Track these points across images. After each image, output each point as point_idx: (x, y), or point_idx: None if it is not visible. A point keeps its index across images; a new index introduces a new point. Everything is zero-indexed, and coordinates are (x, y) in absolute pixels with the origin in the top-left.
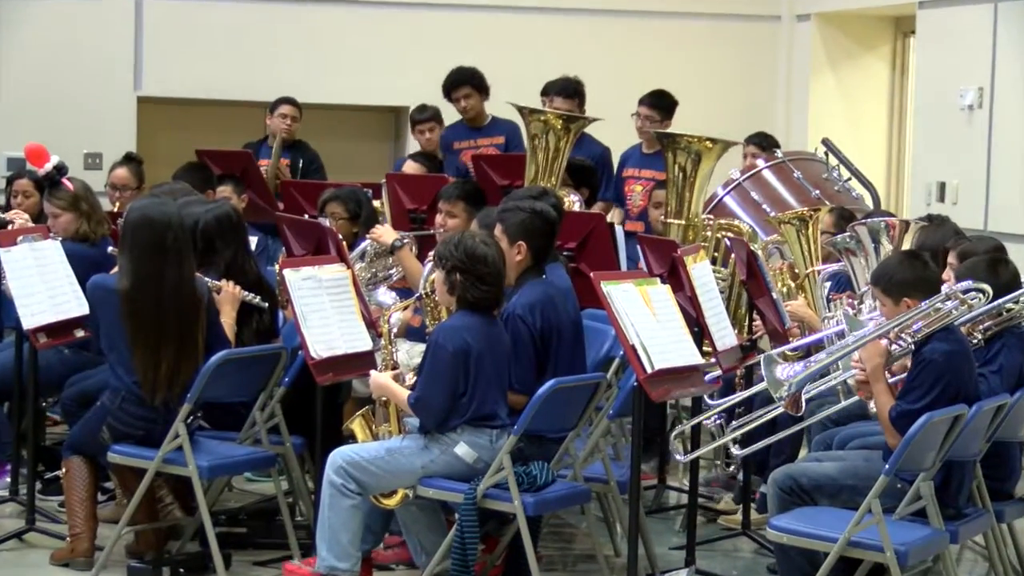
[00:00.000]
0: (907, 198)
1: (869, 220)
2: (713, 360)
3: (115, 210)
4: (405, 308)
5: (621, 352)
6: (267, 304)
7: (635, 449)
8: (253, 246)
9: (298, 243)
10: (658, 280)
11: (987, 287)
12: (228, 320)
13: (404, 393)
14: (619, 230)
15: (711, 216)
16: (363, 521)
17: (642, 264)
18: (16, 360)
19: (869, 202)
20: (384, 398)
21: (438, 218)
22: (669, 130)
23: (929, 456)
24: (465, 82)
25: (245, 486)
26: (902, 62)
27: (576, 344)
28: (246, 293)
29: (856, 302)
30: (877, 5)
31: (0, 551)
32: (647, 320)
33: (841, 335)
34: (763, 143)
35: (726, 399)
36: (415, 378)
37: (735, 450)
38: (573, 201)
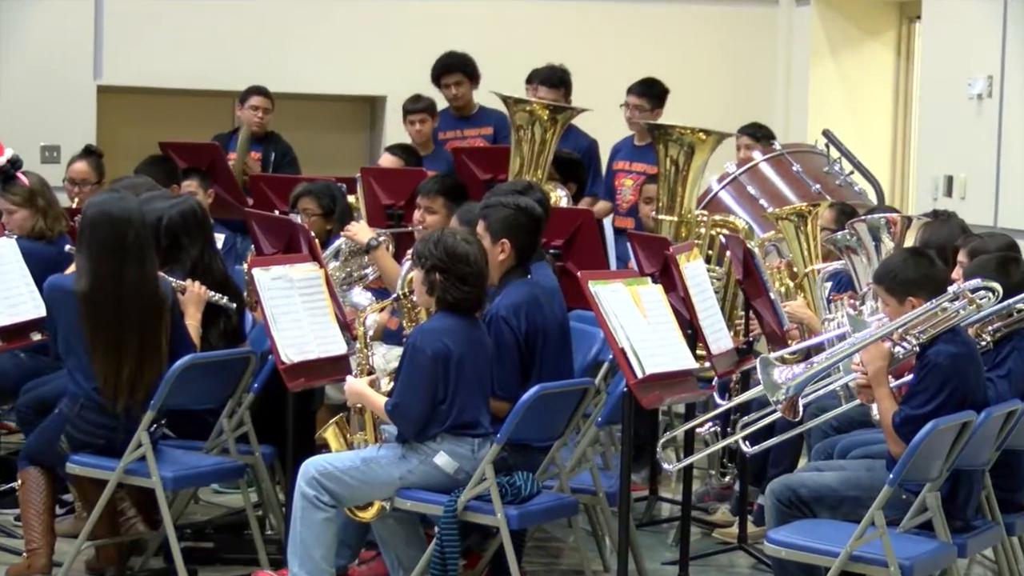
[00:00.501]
0: (912, 193)
1: (869, 217)
2: (707, 364)
3: (73, 206)
4: (382, 310)
5: (610, 356)
6: (235, 305)
7: (625, 458)
8: (220, 244)
9: (268, 241)
10: (649, 280)
11: (997, 286)
12: (193, 323)
13: (381, 400)
14: (608, 227)
15: (705, 212)
16: (337, 535)
17: (632, 263)
18: None
19: (872, 197)
20: (359, 405)
21: (416, 214)
22: (661, 121)
23: (936, 465)
24: (456, 68)
25: (212, 498)
26: (907, 48)
27: (562, 347)
28: (212, 294)
29: (857, 302)
30: None
31: None
32: (637, 322)
33: (843, 337)
34: (757, 134)
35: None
36: (392, 384)
37: (745, 447)
38: (560, 196)
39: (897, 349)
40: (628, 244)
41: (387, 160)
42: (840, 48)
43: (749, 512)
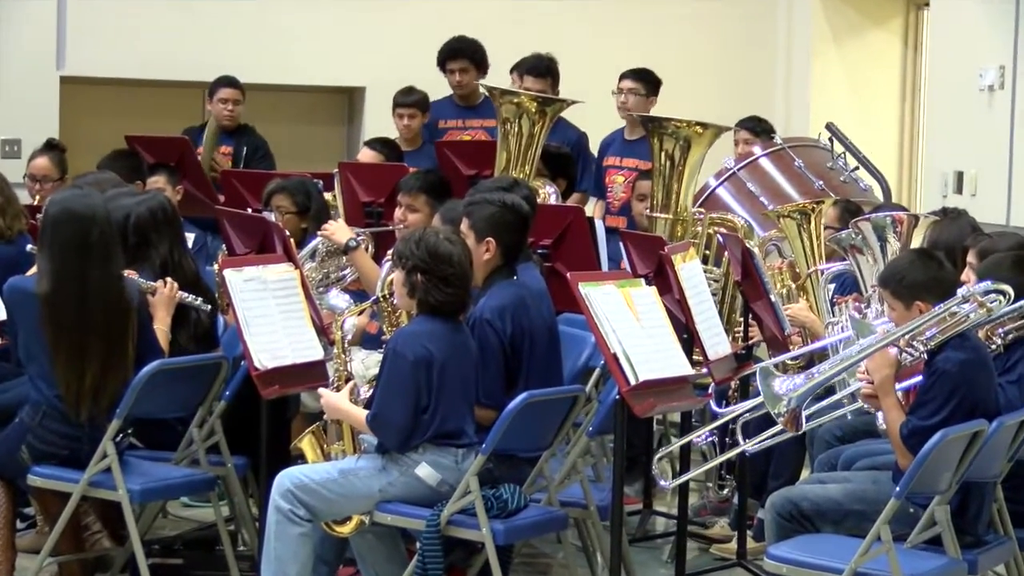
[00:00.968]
0: (921, 189)
1: (874, 215)
2: (704, 370)
3: (34, 203)
4: (360, 313)
5: (601, 362)
6: (209, 307)
7: (617, 470)
8: (190, 244)
9: (240, 240)
10: (643, 281)
11: (1008, 289)
12: (163, 327)
13: (361, 414)
14: (599, 225)
15: (702, 210)
16: (313, 551)
17: (625, 263)
18: None
19: (878, 194)
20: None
21: (397, 212)
22: (655, 113)
23: (944, 477)
24: (462, 54)
25: (181, 512)
26: (915, 37)
27: (551, 353)
28: (185, 294)
29: (863, 305)
30: None
31: None
32: (630, 326)
33: (847, 342)
34: (756, 128)
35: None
36: (371, 391)
37: (745, 445)
38: (548, 193)
39: (904, 356)
40: (620, 244)
41: (366, 155)
42: (844, 37)
43: (748, 526)
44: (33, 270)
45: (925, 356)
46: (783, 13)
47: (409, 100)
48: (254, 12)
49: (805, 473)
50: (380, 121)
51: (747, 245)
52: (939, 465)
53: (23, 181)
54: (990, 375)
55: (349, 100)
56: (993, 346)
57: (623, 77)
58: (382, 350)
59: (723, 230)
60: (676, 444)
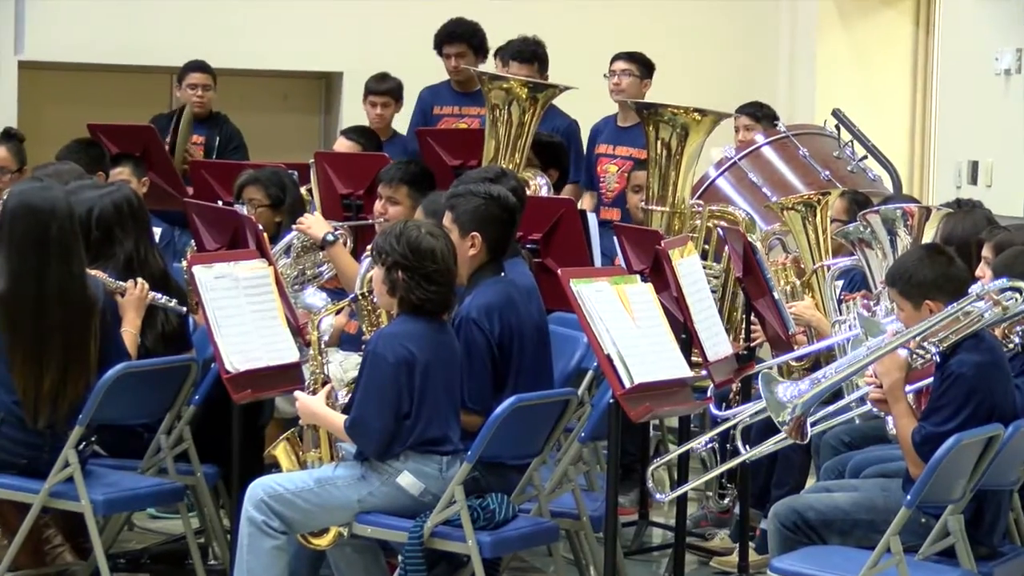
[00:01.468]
0: (933, 179)
1: (883, 208)
2: (703, 372)
3: None
4: (338, 312)
5: (594, 363)
6: (184, 309)
7: (611, 478)
8: (157, 239)
9: (210, 235)
10: (638, 278)
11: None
12: (132, 329)
13: (339, 419)
14: (592, 219)
15: (701, 202)
16: (288, 565)
17: (619, 259)
18: None
19: (888, 184)
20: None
21: (377, 205)
22: (650, 99)
23: (958, 485)
24: (460, 37)
25: (148, 524)
26: (927, 18)
27: (541, 354)
28: (156, 294)
29: (872, 302)
30: None
31: None
32: (625, 325)
33: (855, 341)
34: (757, 114)
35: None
36: (350, 395)
37: (744, 450)
38: (539, 184)
39: (915, 358)
40: (614, 238)
41: (343, 144)
42: (851, 17)
43: (751, 538)
44: None
45: (937, 358)
46: None
47: (383, 87)
48: None
49: (810, 481)
50: (359, 109)
51: (749, 239)
52: (952, 472)
53: None
54: (1007, 377)
55: (326, 86)
56: (1010, 345)
57: (616, 59)
58: (361, 352)
59: (723, 223)
60: (673, 454)
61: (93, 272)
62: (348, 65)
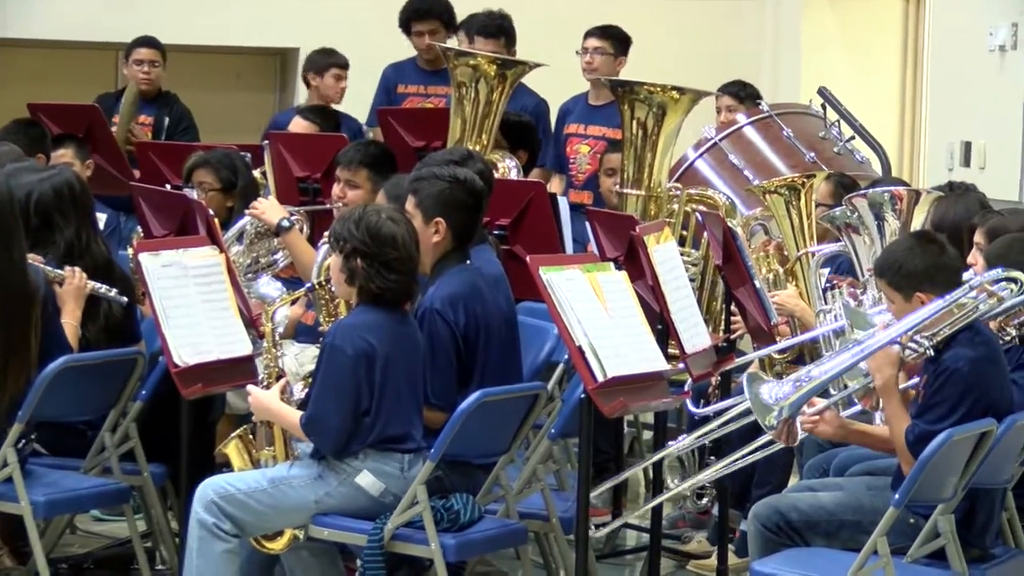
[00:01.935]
0: (924, 161)
1: (871, 191)
2: (681, 365)
3: None
4: (293, 302)
5: (566, 356)
6: (125, 299)
7: (583, 477)
8: (101, 225)
9: (158, 221)
10: (612, 265)
11: (1020, 275)
12: (72, 320)
13: (294, 415)
14: (563, 203)
15: (679, 185)
16: (240, 570)
17: (592, 246)
18: None
19: (876, 167)
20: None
21: (335, 189)
22: (625, 76)
23: (949, 483)
24: (432, 14)
25: (92, 527)
26: None
27: (509, 346)
28: (96, 284)
29: (859, 291)
30: None
31: None
32: (598, 316)
33: (841, 332)
34: (740, 93)
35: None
36: (306, 390)
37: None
38: (508, 167)
39: (907, 352)
40: (587, 223)
41: (299, 125)
42: None
43: (730, 540)
44: None
45: (931, 352)
46: None
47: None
48: None
49: (793, 480)
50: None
51: (729, 224)
52: (943, 470)
53: None
54: (1003, 371)
55: (280, 63)
56: (1007, 338)
57: (588, 35)
58: (318, 344)
59: (702, 208)
60: (640, 467)
61: (32, 260)
62: (304, 41)
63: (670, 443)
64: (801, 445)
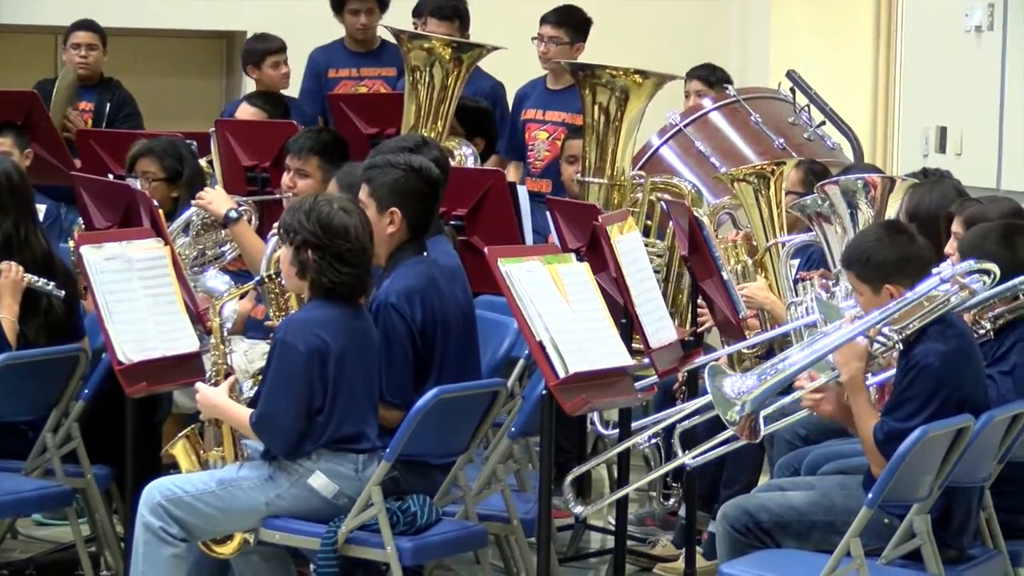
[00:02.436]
0: (898, 147)
1: (842, 178)
2: (646, 360)
3: None
4: (242, 296)
5: (526, 351)
6: (63, 292)
7: (545, 478)
8: (41, 217)
9: (100, 212)
10: (573, 257)
11: (992, 267)
12: (10, 315)
13: (244, 414)
14: (523, 192)
15: (643, 173)
16: (189, 575)
17: (553, 236)
18: None
19: (848, 153)
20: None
21: (285, 178)
22: (584, 59)
23: (924, 482)
24: None
25: (33, 531)
26: None
27: (467, 342)
28: (33, 277)
29: (831, 282)
30: None
31: None
32: (559, 309)
33: (813, 326)
34: (710, 78)
35: (658, 416)
36: (255, 387)
37: (686, 459)
38: (464, 154)
39: (874, 346)
40: (547, 213)
41: (246, 111)
42: None
43: (698, 543)
44: None
45: (900, 346)
46: None
47: (278, 45)
48: None
49: (763, 479)
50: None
51: (695, 214)
52: (918, 468)
53: None
54: (978, 366)
55: (227, 47)
56: (981, 331)
57: (543, 21)
58: (268, 340)
59: (667, 196)
60: (597, 461)
61: None
62: (252, 24)
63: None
64: (771, 443)
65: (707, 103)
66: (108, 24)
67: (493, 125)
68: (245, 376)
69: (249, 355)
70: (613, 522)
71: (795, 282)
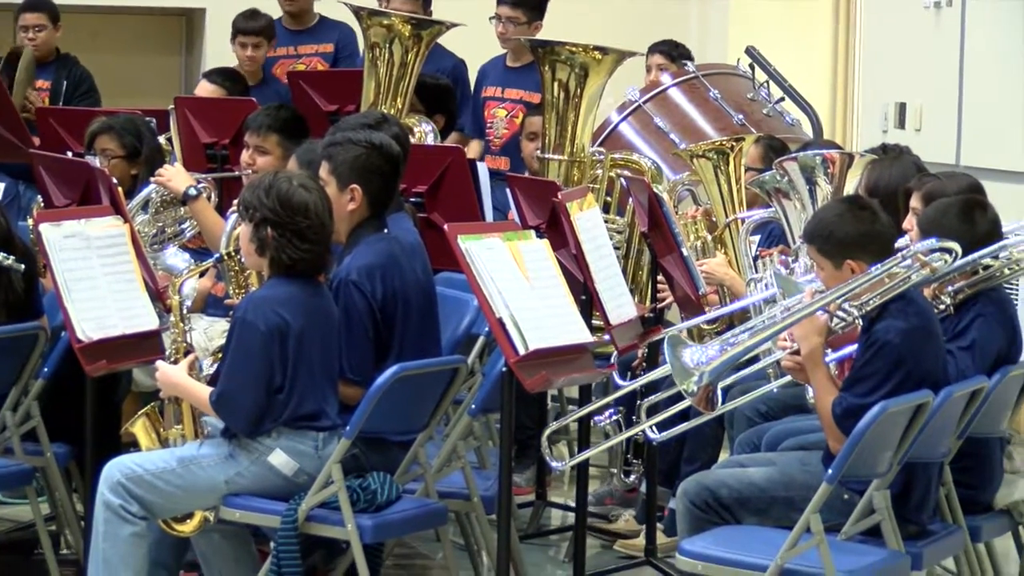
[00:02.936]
0: (857, 123)
1: (801, 154)
2: (606, 337)
3: None
4: (202, 274)
5: (486, 328)
6: (22, 266)
7: (505, 455)
8: (0, 194)
9: (59, 190)
10: (533, 233)
11: (954, 245)
12: None
13: (204, 391)
14: (483, 169)
15: (602, 149)
16: (149, 554)
17: (513, 213)
18: None
19: (807, 129)
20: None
21: (244, 155)
22: (543, 36)
23: (884, 458)
24: None
25: None
26: None
27: (427, 319)
28: None
29: (790, 258)
30: None
31: None
32: (519, 286)
33: (772, 301)
34: (672, 53)
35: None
36: (215, 365)
37: (653, 434)
38: (424, 131)
39: (835, 321)
40: (507, 190)
41: (206, 88)
42: None
43: (659, 519)
44: None
45: (860, 322)
46: None
47: (254, 26)
48: None
49: (724, 456)
50: (223, 49)
51: (655, 190)
52: (877, 444)
53: None
54: (938, 342)
55: (186, 24)
56: (941, 306)
57: (500, 2)
58: (228, 317)
59: (627, 173)
60: (571, 418)
61: None
62: (211, 1)
63: (596, 418)
64: (731, 419)
65: (666, 79)
66: (69, 1)
67: (453, 102)
68: (205, 354)
69: (209, 333)
70: (574, 499)
71: (755, 258)
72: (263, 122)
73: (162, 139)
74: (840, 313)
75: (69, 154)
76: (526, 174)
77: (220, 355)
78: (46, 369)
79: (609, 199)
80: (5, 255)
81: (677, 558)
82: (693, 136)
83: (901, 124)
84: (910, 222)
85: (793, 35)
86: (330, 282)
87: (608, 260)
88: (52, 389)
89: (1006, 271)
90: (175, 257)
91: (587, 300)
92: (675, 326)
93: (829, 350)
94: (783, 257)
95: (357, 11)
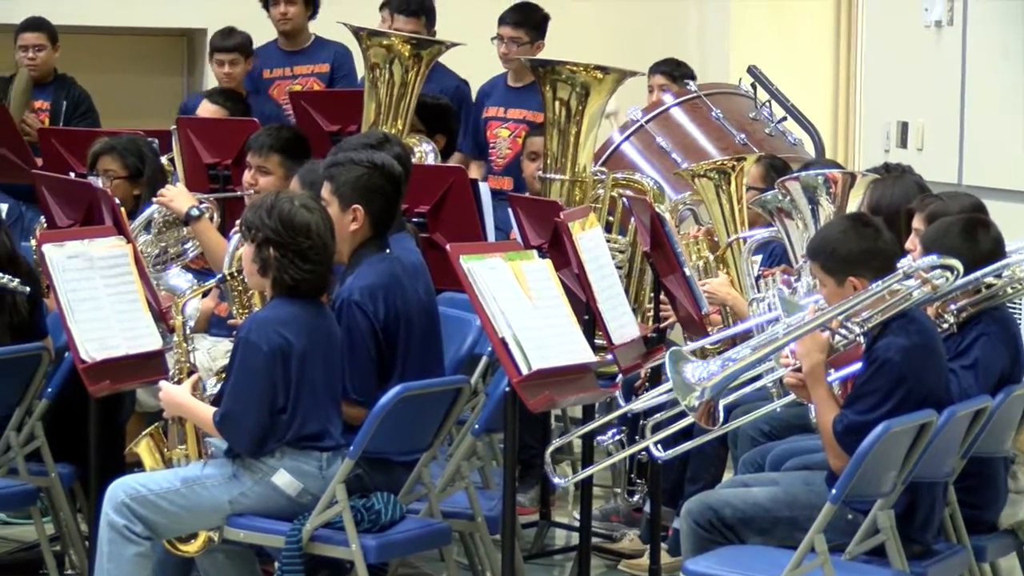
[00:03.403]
0: (859, 143)
1: (803, 174)
2: (609, 357)
3: None
4: (205, 294)
5: (489, 348)
6: (28, 289)
7: (509, 475)
8: (3, 216)
9: (62, 210)
10: (535, 253)
11: (955, 263)
12: None
13: (207, 412)
14: (484, 189)
15: (604, 169)
16: (153, 574)
17: (515, 233)
18: None
19: (809, 148)
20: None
21: (247, 175)
22: (544, 55)
23: (888, 478)
24: None
25: None
26: None
27: (430, 339)
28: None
29: (792, 278)
30: None
31: None
32: (522, 306)
33: (775, 322)
34: (674, 73)
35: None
36: (219, 385)
37: (658, 452)
38: (425, 151)
39: (837, 338)
40: (509, 210)
41: (207, 109)
42: None
43: (663, 538)
44: None
45: (862, 340)
46: None
47: (229, 43)
48: None
49: (727, 475)
50: None
51: (657, 210)
52: (881, 463)
53: None
54: (940, 361)
55: (187, 44)
56: (944, 325)
57: (502, 22)
58: (231, 337)
59: (629, 193)
60: (574, 434)
61: None
62: (212, 21)
63: (599, 437)
64: (735, 439)
65: (668, 99)
66: (70, 22)
67: (454, 122)
68: (208, 374)
69: (212, 353)
70: (578, 519)
71: (757, 278)
72: (265, 142)
73: (164, 159)
74: (842, 331)
75: (72, 175)
76: (527, 194)
77: (223, 375)
78: (50, 389)
79: (611, 219)
80: (10, 278)
81: None
82: (695, 156)
83: (903, 143)
84: (913, 242)
85: (795, 55)
86: (332, 302)
87: (610, 280)
88: (56, 409)
89: (1009, 290)
90: (178, 277)
91: (590, 320)
92: (678, 347)
93: (832, 369)
94: (785, 277)
95: (357, 31)
